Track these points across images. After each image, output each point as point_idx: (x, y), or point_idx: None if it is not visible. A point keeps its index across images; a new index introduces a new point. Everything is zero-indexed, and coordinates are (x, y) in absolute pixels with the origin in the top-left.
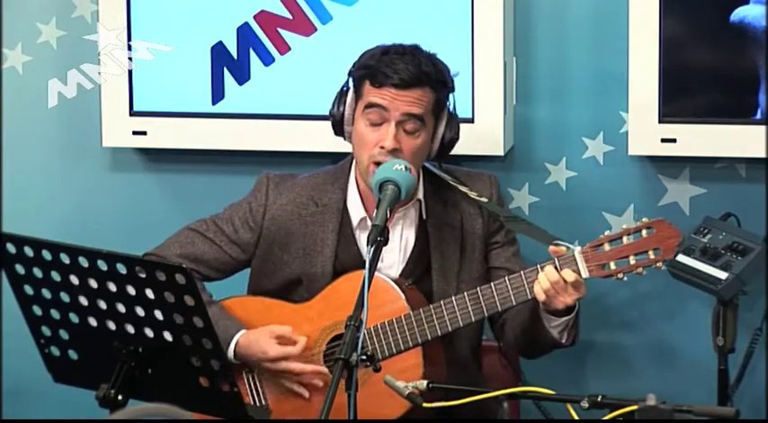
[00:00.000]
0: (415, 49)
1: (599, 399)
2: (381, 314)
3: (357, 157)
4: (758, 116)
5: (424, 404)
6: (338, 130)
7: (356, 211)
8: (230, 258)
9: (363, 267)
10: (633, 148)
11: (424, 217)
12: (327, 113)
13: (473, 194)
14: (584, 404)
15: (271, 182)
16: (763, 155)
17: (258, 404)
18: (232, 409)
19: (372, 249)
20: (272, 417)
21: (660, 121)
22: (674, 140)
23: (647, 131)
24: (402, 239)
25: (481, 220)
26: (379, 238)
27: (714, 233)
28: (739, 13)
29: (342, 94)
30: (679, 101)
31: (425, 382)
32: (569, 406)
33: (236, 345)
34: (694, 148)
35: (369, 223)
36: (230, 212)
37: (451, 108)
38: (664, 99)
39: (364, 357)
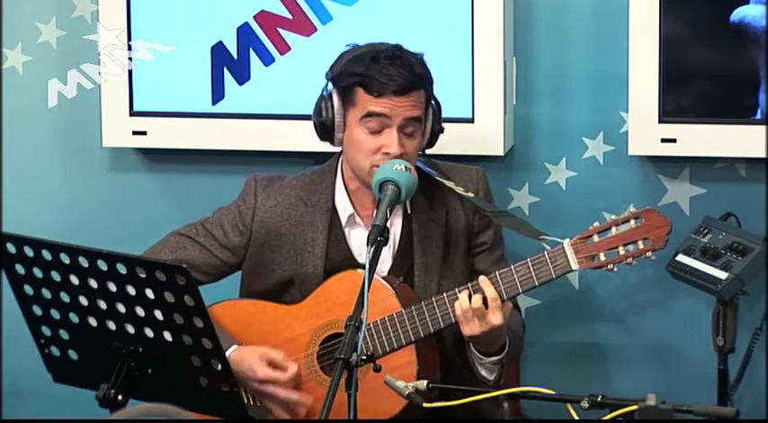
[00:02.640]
0: (402, 51)
1: (599, 399)
2: (373, 312)
3: (355, 162)
4: (758, 116)
5: (424, 404)
6: (326, 136)
7: (344, 208)
8: (221, 262)
9: (353, 266)
10: (633, 148)
11: (409, 212)
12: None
13: (459, 189)
14: (584, 404)
15: (259, 184)
16: (763, 155)
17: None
18: (232, 409)
19: (372, 249)
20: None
21: (660, 121)
22: (674, 140)
23: (647, 131)
24: (391, 235)
25: (466, 216)
26: (380, 238)
27: (714, 233)
28: (739, 13)
29: (326, 100)
30: (679, 101)
31: (425, 382)
32: (569, 406)
33: None
34: (694, 148)
35: (357, 220)
36: (219, 216)
37: (434, 99)
38: (664, 99)
39: (364, 357)
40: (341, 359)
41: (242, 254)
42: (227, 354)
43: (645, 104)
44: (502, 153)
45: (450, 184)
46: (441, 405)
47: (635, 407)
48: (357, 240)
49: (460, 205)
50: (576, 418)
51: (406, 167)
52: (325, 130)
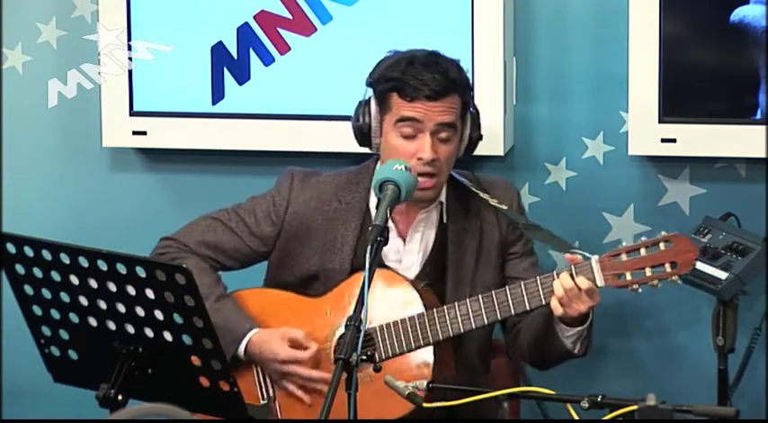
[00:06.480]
0: (438, 57)
1: (599, 399)
2: (395, 312)
3: None
4: (758, 116)
5: (424, 404)
6: (364, 141)
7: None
8: (250, 250)
9: (380, 265)
10: (633, 148)
11: (445, 221)
12: (330, 114)
13: (494, 201)
14: (584, 404)
15: (296, 177)
16: (763, 155)
17: (266, 397)
18: (232, 409)
19: (372, 249)
20: (280, 411)
21: (660, 121)
22: (674, 140)
23: (647, 131)
24: (422, 241)
25: (500, 229)
26: (380, 237)
27: (714, 233)
28: (739, 13)
29: (364, 105)
30: (679, 101)
31: (425, 382)
32: (569, 406)
33: (247, 342)
34: (694, 148)
35: (390, 224)
36: (253, 204)
37: (472, 106)
38: (664, 99)
39: (365, 357)
40: (341, 359)
41: (271, 244)
42: (249, 336)
43: (645, 104)
44: (502, 153)
45: (485, 195)
46: (441, 405)
47: (635, 407)
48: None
49: (495, 218)
50: (576, 418)
51: (406, 167)
52: (363, 135)
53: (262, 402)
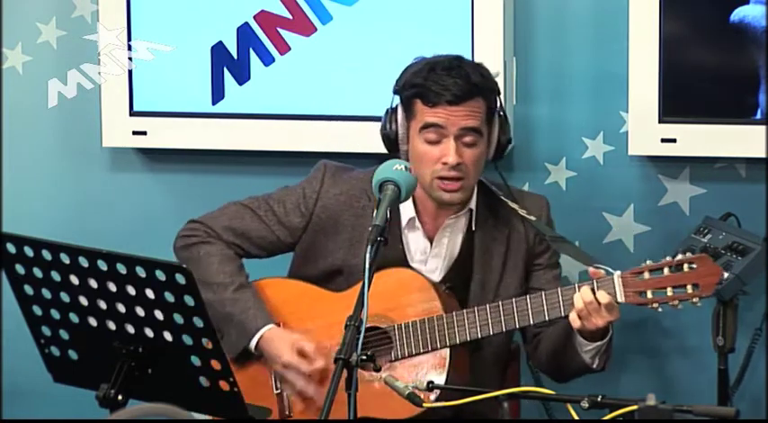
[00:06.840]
0: (460, 61)
1: (599, 399)
2: (415, 312)
3: (419, 174)
4: (758, 116)
5: (425, 404)
6: (392, 148)
7: (406, 211)
8: (276, 239)
9: (405, 265)
10: (633, 148)
11: (473, 228)
12: (330, 114)
13: (523, 212)
14: (584, 404)
15: (328, 170)
16: (763, 155)
17: (279, 387)
18: (232, 409)
19: (372, 249)
20: (292, 404)
21: (660, 121)
22: (674, 140)
23: (647, 131)
24: (448, 246)
25: (527, 239)
26: (380, 238)
27: (714, 233)
28: (739, 13)
29: (391, 113)
30: (679, 101)
31: (425, 382)
32: (569, 406)
33: (260, 338)
34: (694, 148)
35: (417, 224)
36: (283, 194)
37: (500, 110)
38: (664, 99)
39: (365, 357)
40: (340, 359)
41: (298, 235)
42: (263, 331)
43: (645, 104)
44: None
45: (514, 205)
46: (441, 405)
47: (635, 407)
48: (413, 244)
49: (523, 228)
50: (576, 418)
51: (406, 167)
52: (391, 143)
53: (275, 392)
